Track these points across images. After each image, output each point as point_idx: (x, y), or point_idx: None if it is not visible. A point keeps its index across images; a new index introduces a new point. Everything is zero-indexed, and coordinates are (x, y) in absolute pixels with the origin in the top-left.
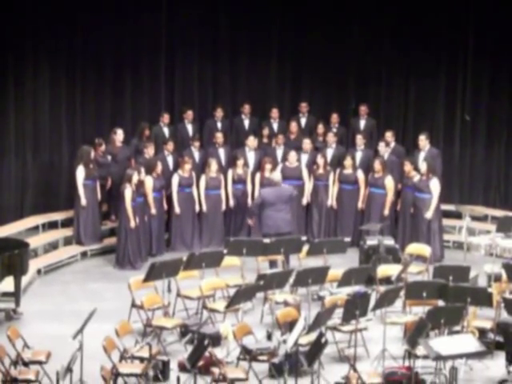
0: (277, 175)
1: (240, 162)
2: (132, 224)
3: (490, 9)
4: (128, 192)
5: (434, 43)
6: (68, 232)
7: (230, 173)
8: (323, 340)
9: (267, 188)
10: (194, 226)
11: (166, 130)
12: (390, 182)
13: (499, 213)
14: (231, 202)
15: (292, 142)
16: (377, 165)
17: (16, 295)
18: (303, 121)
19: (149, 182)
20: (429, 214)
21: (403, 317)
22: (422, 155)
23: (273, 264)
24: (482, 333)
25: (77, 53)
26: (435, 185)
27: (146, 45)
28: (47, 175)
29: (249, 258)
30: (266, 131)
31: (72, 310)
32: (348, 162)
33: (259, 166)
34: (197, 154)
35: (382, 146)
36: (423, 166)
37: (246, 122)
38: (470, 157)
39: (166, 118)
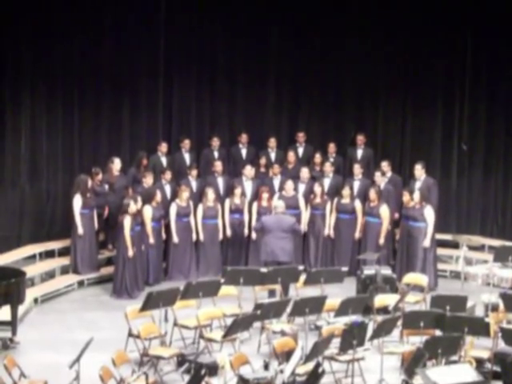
0: (280, 203)
1: (237, 192)
2: (130, 253)
3: (488, 39)
4: (127, 221)
5: (432, 72)
6: (65, 261)
7: (227, 202)
8: (320, 370)
9: (269, 215)
10: (191, 255)
11: (163, 160)
12: (385, 211)
13: (496, 242)
14: (228, 232)
15: (289, 172)
16: (372, 194)
17: (13, 324)
18: (300, 150)
19: (147, 212)
20: (426, 242)
21: (400, 346)
22: (417, 185)
23: (272, 293)
24: (480, 363)
25: (74, 81)
26: (429, 213)
27: (143, 74)
28: (44, 204)
29: (246, 287)
30: (263, 161)
31: (69, 339)
32: (346, 191)
33: (256, 196)
34: (194, 183)
35: (377, 176)
36: (416, 195)
37: (244, 152)
38: (467, 186)
39: (163, 147)
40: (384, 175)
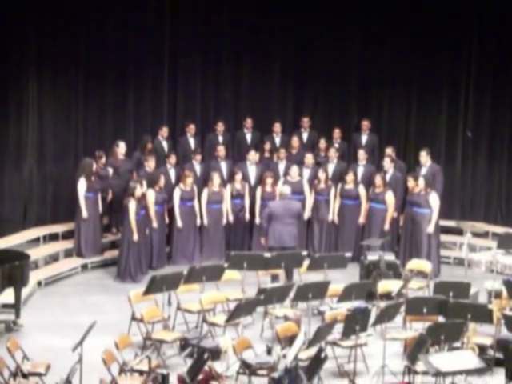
0: (286, 188)
1: (238, 177)
2: (135, 237)
3: (494, 25)
4: (132, 205)
5: (437, 59)
6: (69, 244)
7: (228, 188)
8: (323, 355)
9: (275, 201)
10: (195, 239)
11: (164, 144)
12: (390, 197)
13: (500, 229)
14: (230, 218)
15: (294, 157)
16: (378, 180)
17: (16, 307)
18: (305, 136)
19: (150, 196)
20: (430, 229)
21: (403, 332)
22: (423, 171)
23: (274, 278)
24: (482, 349)
25: (79, 65)
26: (434, 199)
27: (148, 58)
28: (48, 187)
29: (249, 271)
30: (267, 146)
31: (72, 323)
32: (350, 177)
33: (260, 181)
34: (198, 168)
35: (387, 162)
36: (421, 182)
37: (248, 136)
38: (472, 173)
39: (164, 131)
40: (393, 161)
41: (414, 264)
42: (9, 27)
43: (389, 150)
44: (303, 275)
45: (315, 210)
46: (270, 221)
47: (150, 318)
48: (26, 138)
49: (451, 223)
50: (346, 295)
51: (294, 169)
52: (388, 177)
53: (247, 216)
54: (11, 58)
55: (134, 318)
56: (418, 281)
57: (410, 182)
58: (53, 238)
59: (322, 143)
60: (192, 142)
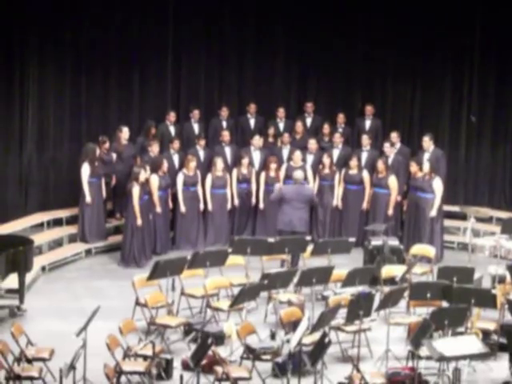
0: (299, 173)
1: (245, 161)
2: (139, 222)
3: (498, 10)
4: (136, 190)
5: (441, 44)
6: (73, 229)
7: (234, 172)
8: (327, 340)
9: (288, 185)
10: (198, 224)
11: (172, 129)
12: (393, 181)
13: (504, 214)
14: (236, 202)
15: (297, 142)
16: (380, 165)
17: (20, 292)
18: (308, 121)
19: (154, 181)
20: (433, 213)
21: (407, 317)
22: (426, 156)
23: (283, 263)
24: (486, 334)
25: (83, 50)
26: (438, 184)
27: (152, 43)
28: (52, 172)
29: (253, 257)
30: (271, 131)
31: (76, 308)
32: (353, 162)
33: (264, 166)
34: (202, 153)
35: (387, 147)
36: (426, 166)
37: (252, 121)
38: (476, 158)
39: (172, 116)
40: (393, 146)
41: (418, 249)
42: (11, 10)
43: (393, 135)
44: (307, 260)
45: (319, 195)
46: (281, 203)
47: (153, 303)
48: (27, 123)
49: (455, 208)
50: (349, 280)
51: (297, 154)
52: (389, 161)
53: (253, 200)
54: (14, 42)
55: (137, 303)
56: (422, 266)
57: (413, 167)
58: (57, 223)
59: (326, 128)
60: (196, 127)
